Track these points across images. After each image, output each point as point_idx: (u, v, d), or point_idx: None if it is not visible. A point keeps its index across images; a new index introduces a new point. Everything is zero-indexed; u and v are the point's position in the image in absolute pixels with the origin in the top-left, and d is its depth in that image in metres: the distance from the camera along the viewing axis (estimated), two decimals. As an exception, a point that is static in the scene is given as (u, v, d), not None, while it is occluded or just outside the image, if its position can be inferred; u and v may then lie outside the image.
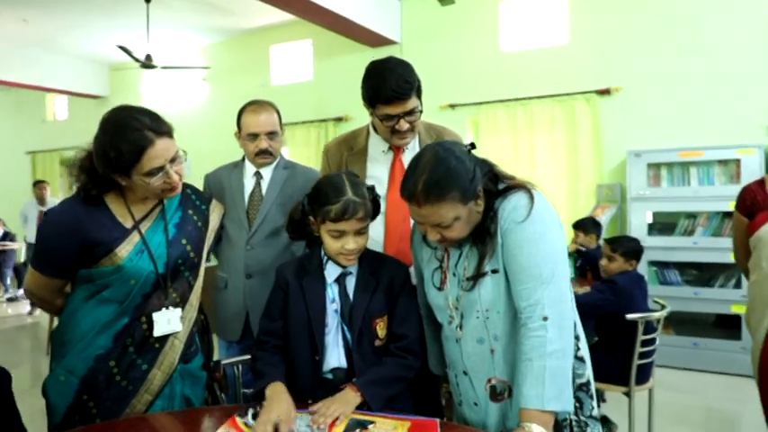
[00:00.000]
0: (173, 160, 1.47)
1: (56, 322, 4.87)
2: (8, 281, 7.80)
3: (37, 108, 9.67)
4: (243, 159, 2.26)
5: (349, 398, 1.39)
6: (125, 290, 1.48)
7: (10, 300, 7.60)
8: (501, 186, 1.36)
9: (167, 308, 1.54)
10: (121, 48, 5.58)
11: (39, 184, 6.97)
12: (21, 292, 7.80)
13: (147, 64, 5.83)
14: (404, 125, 1.74)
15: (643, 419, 2.88)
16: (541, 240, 1.28)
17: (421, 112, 1.77)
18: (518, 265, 1.29)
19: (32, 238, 6.81)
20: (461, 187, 1.26)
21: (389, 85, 1.66)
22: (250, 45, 6.97)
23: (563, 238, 1.35)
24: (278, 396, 1.38)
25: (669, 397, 3.58)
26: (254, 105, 2.18)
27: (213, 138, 6.16)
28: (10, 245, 7.77)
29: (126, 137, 1.40)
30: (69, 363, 1.48)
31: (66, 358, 1.49)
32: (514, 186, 1.34)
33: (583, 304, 2.36)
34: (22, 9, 6.09)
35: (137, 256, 1.49)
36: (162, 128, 1.46)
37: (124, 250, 1.48)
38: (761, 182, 2.14)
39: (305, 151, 6.37)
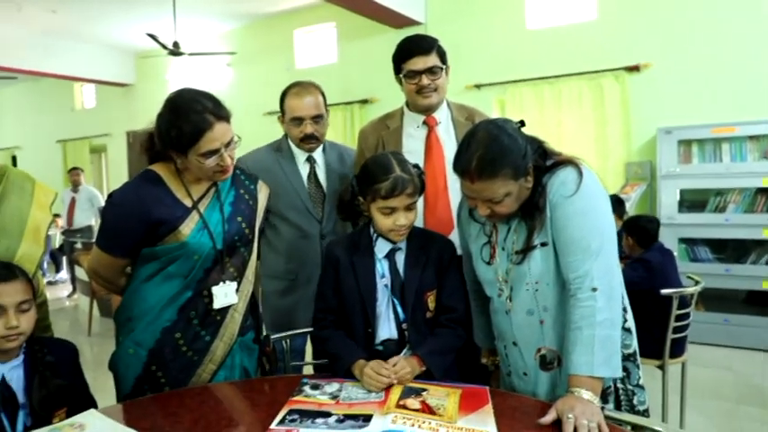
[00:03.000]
0: (227, 145, 1.55)
1: (96, 306, 5.01)
2: (45, 266, 8.06)
3: (66, 97, 9.87)
4: (287, 142, 2.21)
5: (414, 365, 1.46)
6: (189, 265, 1.56)
7: (49, 283, 7.86)
8: (549, 162, 1.40)
9: (225, 282, 1.62)
10: (150, 36, 5.67)
11: (72, 171, 7.16)
12: (58, 276, 8.06)
13: (175, 51, 5.91)
14: (425, 81, 1.91)
15: (675, 393, 2.92)
16: (590, 213, 1.33)
17: (442, 70, 1.94)
18: (567, 237, 1.33)
19: (65, 225, 7.02)
20: (514, 164, 1.30)
21: (412, 42, 1.94)
22: (274, 29, 7.01)
23: (611, 212, 1.39)
24: (365, 365, 1.46)
25: (700, 372, 3.61)
26: (298, 87, 2.13)
27: (239, 122, 6.22)
28: (46, 231, 8.00)
29: (188, 118, 1.48)
30: (137, 336, 1.57)
31: (134, 332, 1.58)
32: (563, 162, 1.39)
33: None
34: (51, 0, 6.21)
35: (198, 233, 1.57)
36: (222, 113, 1.53)
37: (187, 228, 1.55)
38: None
39: (331, 134, 6.29)
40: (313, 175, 2.18)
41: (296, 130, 2.11)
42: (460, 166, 1.33)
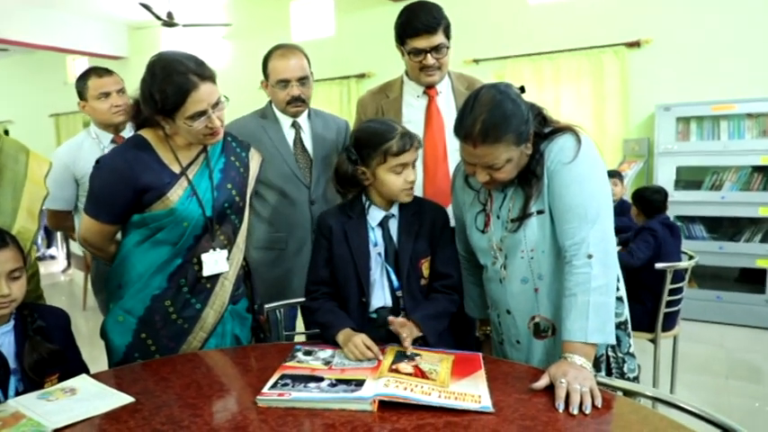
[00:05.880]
0: (215, 106, 1.51)
1: (90, 280, 4.95)
2: (39, 240, 8.01)
3: (58, 70, 9.70)
4: (271, 108, 2.15)
5: (413, 329, 1.45)
6: (178, 232, 1.54)
7: (40, 258, 7.83)
8: (547, 130, 1.38)
9: (215, 249, 1.60)
10: (143, 5, 5.56)
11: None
12: (51, 251, 8.03)
13: (169, 22, 5.81)
14: (430, 60, 1.85)
15: (666, 367, 2.95)
16: (587, 181, 1.31)
17: (448, 48, 1.87)
18: (564, 204, 1.32)
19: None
20: (517, 129, 1.28)
21: (418, 18, 1.81)
22: (270, 1, 6.88)
23: (607, 180, 1.38)
24: (353, 335, 1.44)
25: (692, 347, 3.64)
26: (282, 50, 2.07)
27: (235, 96, 6.16)
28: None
29: (172, 80, 1.44)
30: (127, 303, 1.56)
31: (123, 299, 1.56)
32: (561, 129, 1.37)
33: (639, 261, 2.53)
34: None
35: (187, 200, 1.54)
36: (206, 72, 1.49)
37: (175, 194, 1.53)
38: None
39: (327, 108, 6.31)
40: (299, 140, 2.14)
41: (282, 93, 2.06)
42: (463, 130, 1.30)
